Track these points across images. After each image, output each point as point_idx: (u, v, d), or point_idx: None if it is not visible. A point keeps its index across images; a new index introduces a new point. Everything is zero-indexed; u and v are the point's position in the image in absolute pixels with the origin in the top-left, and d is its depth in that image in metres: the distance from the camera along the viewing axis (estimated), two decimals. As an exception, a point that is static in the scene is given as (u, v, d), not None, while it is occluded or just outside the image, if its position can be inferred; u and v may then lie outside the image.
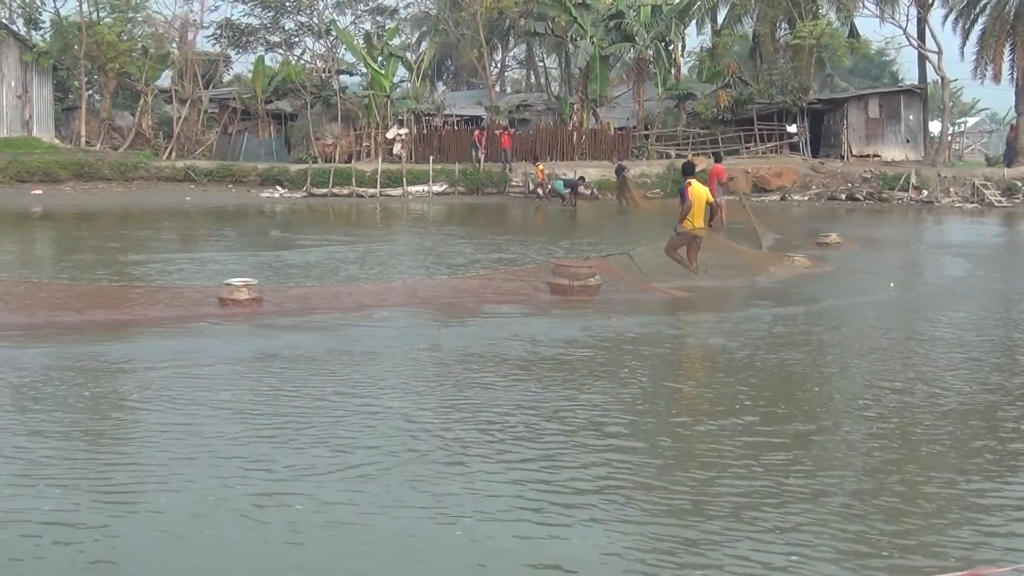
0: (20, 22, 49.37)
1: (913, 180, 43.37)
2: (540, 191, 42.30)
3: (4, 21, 47.60)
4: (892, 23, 50.17)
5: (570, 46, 51.29)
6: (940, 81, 50.11)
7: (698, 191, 16.42)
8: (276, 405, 8.49)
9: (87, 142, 46.81)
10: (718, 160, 29.95)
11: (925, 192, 42.91)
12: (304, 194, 43.17)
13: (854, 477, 6.72)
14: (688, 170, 17.00)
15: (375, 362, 10.44)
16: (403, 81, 54.32)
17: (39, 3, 49.31)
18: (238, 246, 25.03)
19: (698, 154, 45.49)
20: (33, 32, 49.82)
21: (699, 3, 51.30)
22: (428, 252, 23.20)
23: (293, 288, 15.73)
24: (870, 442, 7.51)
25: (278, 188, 44.02)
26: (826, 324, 12.89)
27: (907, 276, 19.00)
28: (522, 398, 8.76)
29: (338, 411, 8.25)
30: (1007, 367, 10.37)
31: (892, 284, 15.83)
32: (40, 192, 40.33)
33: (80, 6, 46.92)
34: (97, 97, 50.21)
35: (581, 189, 40.60)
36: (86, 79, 48.19)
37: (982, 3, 49.63)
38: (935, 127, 55.03)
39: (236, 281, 13.64)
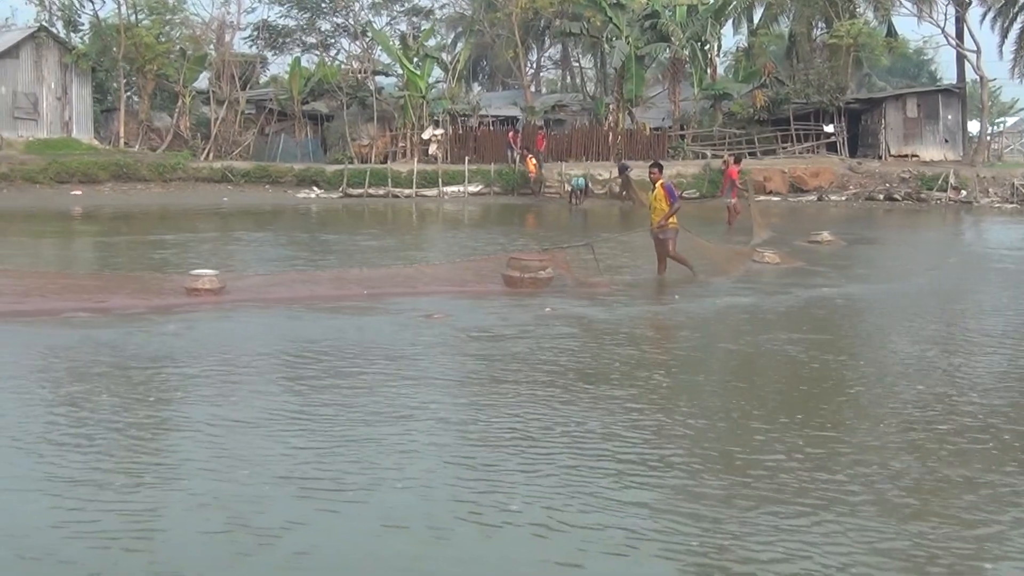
0: (60, 25, 49.88)
1: (952, 180, 43.03)
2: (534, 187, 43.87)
3: (44, 24, 48.06)
4: (930, 22, 49.86)
5: (605, 46, 51.14)
6: (979, 80, 49.75)
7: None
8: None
9: (126, 143, 47.16)
10: (737, 161, 29.98)
11: (964, 192, 42.57)
12: (340, 195, 43.31)
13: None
14: (661, 168, 17.32)
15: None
16: (439, 82, 54.42)
17: (78, 6, 49.76)
18: (256, 241, 25.91)
19: (733, 154, 45.42)
20: (72, 34, 50.21)
21: (735, 3, 51.11)
22: (424, 246, 24.80)
23: (252, 276, 16.63)
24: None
25: (314, 189, 44.18)
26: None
27: (864, 277, 18.14)
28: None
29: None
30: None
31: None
32: (79, 193, 40.61)
33: (119, 8, 47.33)
34: (136, 99, 50.55)
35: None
36: (125, 81, 48.54)
37: (1021, 1, 49.23)
38: (974, 127, 54.56)
39: (201, 272, 14.58)
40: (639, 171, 37.43)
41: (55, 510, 6.05)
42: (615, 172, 42.10)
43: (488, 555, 5.52)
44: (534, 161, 43.95)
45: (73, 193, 40.49)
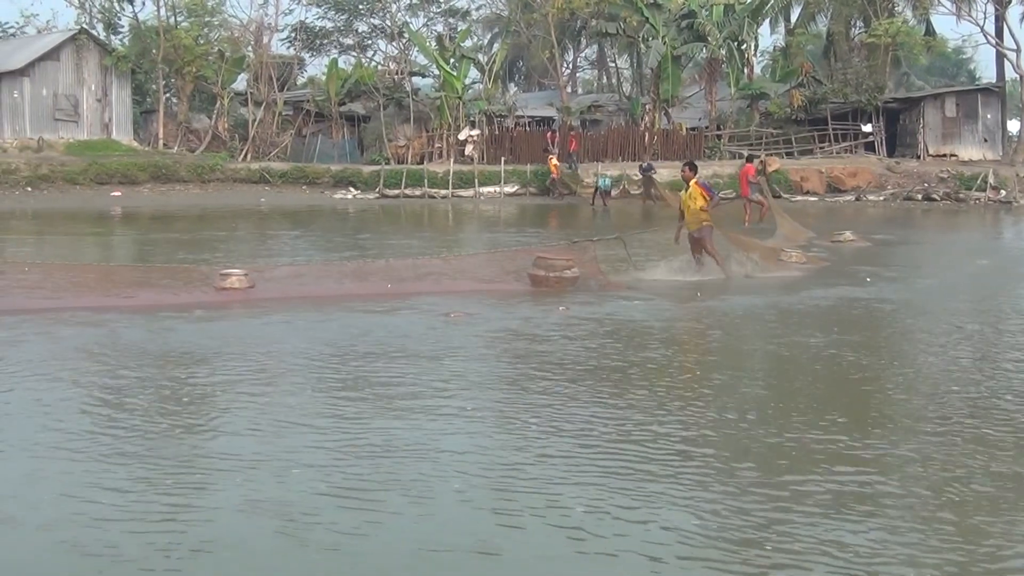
0: (100, 27, 50.43)
1: (991, 180, 42.67)
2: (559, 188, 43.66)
3: (84, 26, 48.56)
4: (969, 20, 49.52)
5: (642, 46, 50.98)
6: (1018, 79, 49.35)
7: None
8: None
9: (165, 144, 47.60)
10: (749, 160, 29.83)
11: (1003, 192, 42.21)
12: (377, 195, 43.49)
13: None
14: (695, 168, 17.31)
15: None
16: (475, 82, 54.53)
17: (118, 8, 50.27)
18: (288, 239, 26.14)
19: (771, 154, 45.34)
20: (112, 37, 50.82)
21: (772, 2, 50.83)
22: (457, 247, 24.91)
23: (279, 268, 17.07)
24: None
25: (351, 189, 44.39)
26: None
27: (890, 278, 17.63)
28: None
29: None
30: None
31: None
32: (119, 194, 41.01)
33: (158, 11, 47.81)
34: (174, 100, 51.02)
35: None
36: (164, 83, 49.01)
37: (1063, 0, 48.83)
38: (1013, 126, 54.14)
39: (230, 271, 14.83)
40: (673, 171, 37.42)
41: (106, 508, 6.09)
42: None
43: (539, 570, 5.41)
44: (555, 162, 43.80)
45: (113, 194, 40.91)
